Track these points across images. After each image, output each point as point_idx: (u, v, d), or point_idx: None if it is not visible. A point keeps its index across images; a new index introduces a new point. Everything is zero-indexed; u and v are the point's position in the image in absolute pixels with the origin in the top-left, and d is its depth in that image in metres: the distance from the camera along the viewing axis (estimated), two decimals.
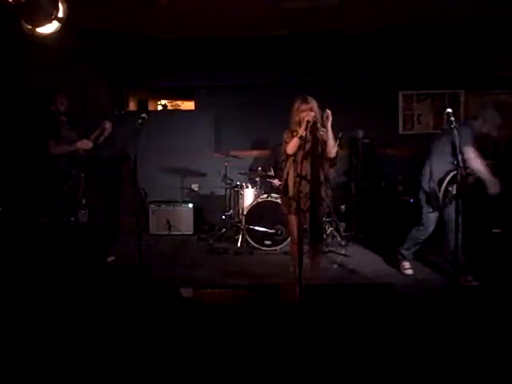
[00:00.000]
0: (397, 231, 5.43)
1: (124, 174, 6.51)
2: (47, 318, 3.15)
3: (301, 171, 3.51)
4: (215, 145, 6.93)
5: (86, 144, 4.42)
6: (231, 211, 5.98)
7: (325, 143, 3.59)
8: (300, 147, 3.47)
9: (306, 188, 3.57)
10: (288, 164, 3.69)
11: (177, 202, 6.52)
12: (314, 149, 3.60)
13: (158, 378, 2.48)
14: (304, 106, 3.58)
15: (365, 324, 2.73)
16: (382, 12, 5.48)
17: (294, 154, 3.61)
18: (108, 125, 4.49)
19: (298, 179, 3.54)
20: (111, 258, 4.87)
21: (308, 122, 3.49)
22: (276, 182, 5.84)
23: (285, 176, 3.73)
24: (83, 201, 4.78)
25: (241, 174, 6.23)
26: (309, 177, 3.58)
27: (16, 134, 5.68)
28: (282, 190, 3.80)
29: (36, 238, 4.76)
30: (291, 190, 3.64)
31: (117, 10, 5.12)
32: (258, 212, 5.47)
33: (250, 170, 6.53)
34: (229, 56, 6.67)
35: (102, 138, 4.55)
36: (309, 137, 3.58)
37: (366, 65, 6.50)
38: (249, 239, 5.46)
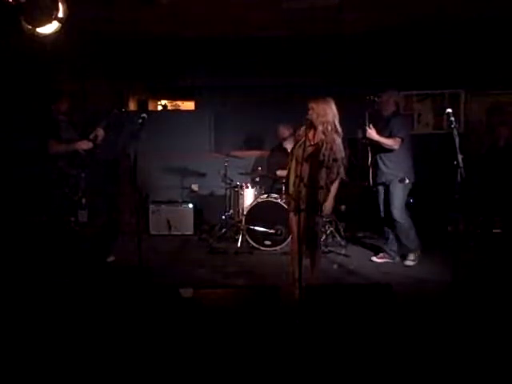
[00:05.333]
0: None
1: (124, 174, 6.51)
2: (47, 318, 3.14)
3: (300, 173, 3.49)
4: (215, 145, 6.93)
5: (86, 144, 4.42)
6: (231, 211, 5.98)
7: (331, 147, 3.51)
8: (300, 146, 3.45)
9: (303, 190, 3.53)
10: (290, 162, 3.67)
11: (177, 202, 6.52)
12: (315, 152, 3.54)
13: (158, 378, 2.48)
14: (308, 105, 3.57)
15: (364, 324, 2.72)
16: (381, 12, 5.49)
17: (295, 153, 3.59)
18: (100, 132, 4.51)
19: (297, 180, 3.52)
20: (111, 258, 4.87)
21: (306, 120, 3.48)
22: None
23: (287, 172, 3.73)
24: (83, 201, 4.77)
25: (241, 174, 6.23)
26: (305, 180, 3.52)
27: (15, 133, 5.69)
28: (284, 187, 3.80)
29: (36, 237, 4.75)
30: (291, 189, 3.64)
31: (117, 9, 5.12)
32: (258, 212, 5.46)
33: (252, 170, 6.53)
34: (229, 56, 6.67)
35: (102, 137, 4.56)
36: (311, 139, 3.55)
37: (366, 65, 6.49)
38: (249, 239, 5.46)
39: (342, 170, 3.55)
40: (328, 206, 3.57)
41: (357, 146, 6.30)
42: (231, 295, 2.93)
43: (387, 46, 6.45)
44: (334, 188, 3.57)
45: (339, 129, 3.59)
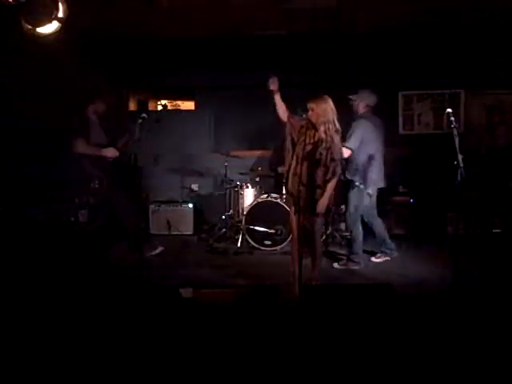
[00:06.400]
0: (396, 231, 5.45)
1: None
2: (47, 318, 3.14)
3: (300, 172, 3.49)
4: (215, 145, 6.93)
5: (112, 152, 4.40)
6: (231, 211, 5.98)
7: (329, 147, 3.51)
8: (301, 145, 3.46)
9: (302, 189, 3.53)
10: (291, 161, 3.66)
11: (177, 202, 6.51)
12: (312, 150, 3.56)
13: (159, 378, 2.48)
14: (308, 106, 3.57)
15: (364, 324, 2.73)
16: (381, 12, 5.48)
17: (296, 153, 3.59)
18: (137, 131, 4.49)
19: (296, 178, 3.52)
20: (158, 250, 4.82)
21: (306, 120, 3.49)
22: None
23: (286, 167, 3.72)
24: (83, 200, 4.76)
25: (241, 173, 6.23)
26: (303, 179, 3.52)
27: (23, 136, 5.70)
28: (284, 186, 3.79)
29: (36, 237, 4.75)
30: (290, 187, 3.64)
31: (117, 9, 5.12)
32: (258, 212, 5.46)
33: (251, 170, 6.53)
34: (229, 56, 6.67)
35: (130, 143, 4.56)
36: (311, 137, 3.55)
37: (366, 65, 6.49)
38: (249, 239, 5.45)
39: (338, 169, 3.56)
40: (322, 204, 3.57)
41: None
42: (231, 295, 2.93)
43: (387, 46, 6.45)
44: (329, 187, 3.56)
45: (338, 127, 3.60)
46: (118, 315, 3.07)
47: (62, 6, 3.36)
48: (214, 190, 6.81)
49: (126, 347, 2.73)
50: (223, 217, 5.97)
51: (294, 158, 3.61)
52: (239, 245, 5.49)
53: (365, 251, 4.96)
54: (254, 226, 5.44)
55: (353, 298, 2.84)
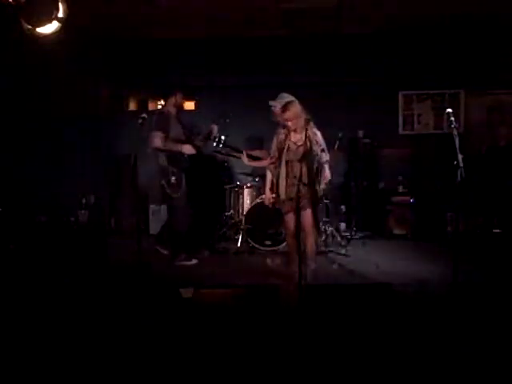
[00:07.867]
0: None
1: (125, 174, 6.50)
2: (47, 318, 3.15)
3: (297, 173, 3.60)
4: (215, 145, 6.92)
5: (189, 149, 4.38)
6: (231, 211, 5.97)
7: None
8: (289, 150, 3.71)
9: (303, 189, 3.69)
10: (280, 165, 3.85)
11: None
12: (307, 152, 3.70)
13: (159, 378, 2.48)
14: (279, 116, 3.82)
15: (364, 324, 2.73)
16: (381, 12, 5.49)
17: (285, 158, 3.71)
18: (215, 129, 4.50)
19: (294, 180, 3.63)
20: (194, 261, 4.85)
21: (285, 127, 3.68)
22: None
23: (272, 176, 3.99)
24: (83, 200, 4.75)
25: (241, 173, 6.22)
26: (304, 179, 3.70)
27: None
28: (275, 189, 3.93)
29: (36, 237, 4.75)
30: (287, 191, 3.80)
31: (117, 10, 5.13)
32: (258, 212, 5.45)
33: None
34: (229, 56, 6.67)
35: (207, 141, 4.56)
36: (296, 141, 3.68)
37: (365, 65, 6.49)
38: (249, 239, 5.45)
39: (327, 155, 3.85)
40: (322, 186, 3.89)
41: (357, 145, 6.32)
42: (231, 295, 2.93)
43: (387, 46, 6.45)
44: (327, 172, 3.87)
45: (310, 123, 3.78)
46: (118, 315, 3.07)
47: (62, 5, 3.37)
48: (214, 190, 6.80)
49: (126, 347, 2.73)
50: (223, 217, 5.96)
51: (284, 162, 3.79)
52: (239, 245, 5.49)
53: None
54: (254, 225, 5.44)
55: (353, 298, 2.84)
